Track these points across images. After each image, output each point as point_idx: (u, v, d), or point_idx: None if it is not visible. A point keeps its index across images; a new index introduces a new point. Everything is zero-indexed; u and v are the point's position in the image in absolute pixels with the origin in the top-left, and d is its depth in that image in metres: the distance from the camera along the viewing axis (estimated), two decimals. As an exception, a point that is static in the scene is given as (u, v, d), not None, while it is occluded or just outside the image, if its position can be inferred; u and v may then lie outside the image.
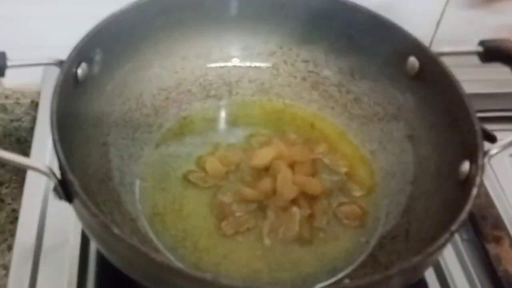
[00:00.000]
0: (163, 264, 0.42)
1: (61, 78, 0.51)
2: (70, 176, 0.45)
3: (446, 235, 0.46)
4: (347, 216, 0.59)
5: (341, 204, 0.60)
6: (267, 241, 0.56)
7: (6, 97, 0.79)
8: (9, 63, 0.52)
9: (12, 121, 0.81)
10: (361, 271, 0.55)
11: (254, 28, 0.67)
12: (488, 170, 0.51)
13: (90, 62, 0.55)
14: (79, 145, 0.55)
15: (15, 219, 0.72)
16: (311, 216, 0.58)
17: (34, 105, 0.79)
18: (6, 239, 0.71)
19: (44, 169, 0.47)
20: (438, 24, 0.80)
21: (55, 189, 0.48)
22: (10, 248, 0.70)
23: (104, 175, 0.57)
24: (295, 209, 0.58)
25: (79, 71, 0.54)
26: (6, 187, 0.77)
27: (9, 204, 0.75)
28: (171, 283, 0.44)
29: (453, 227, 0.46)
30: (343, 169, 0.63)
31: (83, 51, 0.54)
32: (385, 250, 0.56)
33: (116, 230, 0.43)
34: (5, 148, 0.48)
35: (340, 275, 0.55)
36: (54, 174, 0.47)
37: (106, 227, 0.43)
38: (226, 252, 0.55)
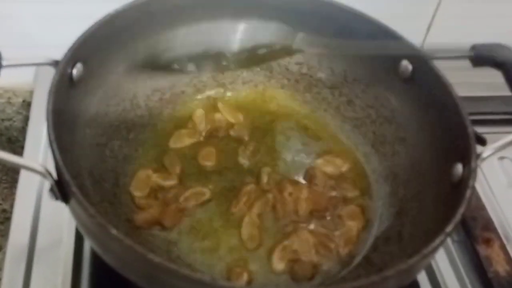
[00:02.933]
0: (161, 264, 0.42)
1: (56, 78, 0.51)
2: (67, 176, 0.45)
3: (441, 237, 0.46)
4: (350, 217, 0.59)
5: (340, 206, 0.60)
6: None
7: (-3, 96, 0.79)
8: (4, 62, 0.52)
9: (3, 120, 0.80)
10: (354, 272, 0.55)
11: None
12: (478, 172, 0.51)
13: (85, 62, 0.55)
14: (74, 145, 0.54)
15: (6, 219, 0.72)
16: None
17: (26, 104, 0.79)
18: (-4, 239, 0.71)
19: (41, 169, 0.47)
20: (429, 28, 0.81)
21: (51, 190, 0.48)
22: (0, 248, 0.69)
23: (99, 176, 0.57)
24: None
25: (74, 71, 0.54)
26: (-4, 187, 0.77)
27: None
28: (168, 284, 0.44)
29: (448, 229, 0.47)
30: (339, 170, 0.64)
31: (78, 51, 0.54)
32: (379, 252, 0.57)
33: (113, 231, 0.43)
34: (-5, 148, 0.48)
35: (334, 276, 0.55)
36: (50, 174, 0.47)
37: (103, 228, 0.43)
38: (222, 255, 0.56)
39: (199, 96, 0.68)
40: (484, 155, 0.52)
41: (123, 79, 0.62)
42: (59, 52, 0.53)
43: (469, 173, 0.51)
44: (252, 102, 0.69)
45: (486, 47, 0.61)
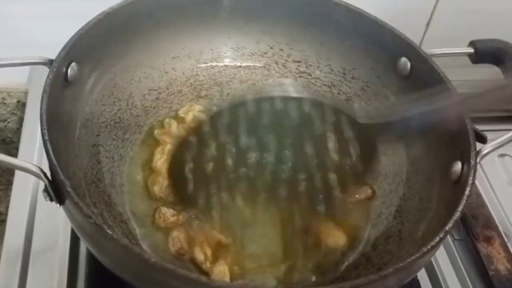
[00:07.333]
0: (157, 265, 0.42)
1: (50, 78, 0.50)
2: (62, 177, 0.45)
3: (441, 235, 0.46)
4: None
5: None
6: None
7: (-8, 97, 0.78)
8: (-3, 62, 0.51)
9: (-3, 121, 0.80)
10: (354, 271, 0.55)
11: (246, 28, 0.67)
12: (478, 170, 0.51)
13: (80, 61, 0.54)
14: (69, 146, 0.54)
15: (1, 221, 0.71)
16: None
17: (21, 105, 0.78)
18: (-10, 241, 0.70)
19: (35, 170, 0.47)
20: (428, 24, 0.80)
21: (45, 191, 0.47)
22: (-6, 250, 0.69)
23: (95, 177, 0.56)
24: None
25: (69, 71, 0.53)
26: (-9, 189, 0.76)
27: (-6, 206, 0.74)
28: (164, 284, 0.44)
29: (448, 227, 0.46)
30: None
31: (73, 50, 0.53)
32: (378, 250, 0.56)
33: (109, 232, 0.42)
34: (-10, 149, 0.48)
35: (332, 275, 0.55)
36: (45, 174, 0.47)
37: (99, 228, 0.43)
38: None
39: (196, 95, 0.67)
40: (484, 152, 0.52)
41: (119, 78, 0.61)
42: (53, 52, 0.52)
43: (469, 171, 0.50)
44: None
45: (484, 43, 0.60)
